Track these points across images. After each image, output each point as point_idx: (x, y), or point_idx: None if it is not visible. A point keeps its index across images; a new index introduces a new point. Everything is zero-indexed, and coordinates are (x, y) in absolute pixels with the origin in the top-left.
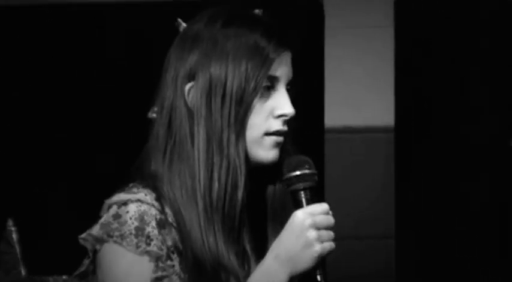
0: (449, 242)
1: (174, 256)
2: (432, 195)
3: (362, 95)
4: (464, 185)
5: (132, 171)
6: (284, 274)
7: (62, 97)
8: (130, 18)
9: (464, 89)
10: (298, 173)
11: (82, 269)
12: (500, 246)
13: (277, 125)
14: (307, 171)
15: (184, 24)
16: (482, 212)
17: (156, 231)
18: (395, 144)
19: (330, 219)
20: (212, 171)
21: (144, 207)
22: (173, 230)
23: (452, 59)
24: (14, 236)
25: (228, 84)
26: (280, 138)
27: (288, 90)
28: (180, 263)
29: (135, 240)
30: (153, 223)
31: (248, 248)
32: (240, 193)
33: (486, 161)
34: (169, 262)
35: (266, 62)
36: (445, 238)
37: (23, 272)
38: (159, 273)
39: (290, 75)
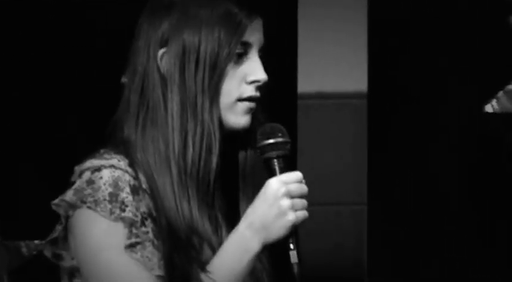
0: (421, 210)
1: (148, 222)
2: (405, 162)
3: (335, 60)
4: (436, 153)
5: (104, 137)
6: (257, 242)
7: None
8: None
9: (437, 57)
10: (271, 141)
11: (54, 235)
12: (472, 214)
13: (250, 91)
14: (280, 139)
15: None
16: (454, 180)
17: (130, 198)
18: (368, 110)
19: (303, 188)
20: (186, 137)
21: (117, 173)
22: (147, 196)
23: (427, 26)
24: None
25: (202, 50)
26: (252, 104)
27: (260, 57)
28: (154, 230)
29: (109, 206)
30: (127, 189)
31: (220, 214)
32: (214, 159)
33: (458, 130)
34: (143, 228)
35: (239, 29)
36: (417, 205)
37: None
38: (133, 240)
39: (262, 41)
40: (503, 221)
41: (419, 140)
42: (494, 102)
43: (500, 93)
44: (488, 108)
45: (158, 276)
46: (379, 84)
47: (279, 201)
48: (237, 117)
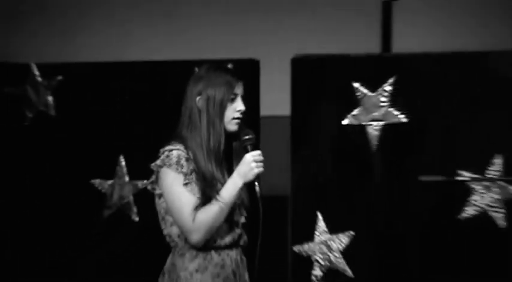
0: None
1: (193, 174)
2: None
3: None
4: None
5: (172, 137)
6: (241, 181)
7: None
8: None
9: None
10: (247, 137)
11: (152, 179)
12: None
13: (237, 115)
14: (251, 136)
15: (196, 69)
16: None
17: (185, 163)
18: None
19: (261, 158)
20: (209, 136)
21: (179, 152)
22: (192, 162)
23: None
24: None
25: (216, 98)
26: (238, 120)
27: (242, 97)
28: (195, 177)
29: (175, 166)
30: (183, 159)
31: (225, 169)
32: (222, 146)
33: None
34: (191, 176)
35: (232, 87)
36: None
37: None
38: (187, 181)
39: (242, 92)
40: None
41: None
42: (350, 116)
43: (357, 110)
44: (346, 121)
45: (198, 198)
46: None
47: (250, 163)
48: (232, 126)
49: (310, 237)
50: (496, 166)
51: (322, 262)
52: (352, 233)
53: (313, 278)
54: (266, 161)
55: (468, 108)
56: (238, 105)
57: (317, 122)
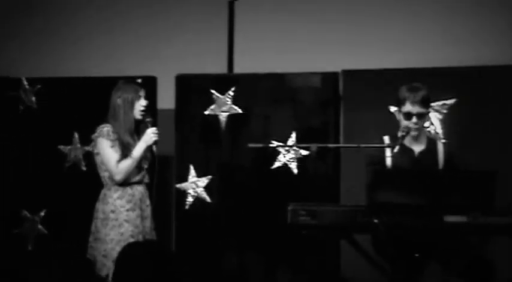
0: None
1: (116, 141)
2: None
3: None
4: None
5: (103, 121)
6: (144, 144)
7: None
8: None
9: None
10: (148, 119)
11: (92, 144)
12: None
13: (142, 108)
14: (150, 119)
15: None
16: None
17: (111, 134)
18: None
19: (156, 131)
20: (124, 121)
21: (108, 128)
22: (116, 135)
23: None
24: None
25: (128, 98)
26: (143, 112)
27: (144, 98)
28: (118, 143)
29: (106, 136)
30: (110, 132)
31: (136, 139)
32: (132, 126)
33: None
34: (115, 142)
35: (137, 92)
36: None
37: None
38: (112, 145)
39: (144, 94)
40: None
41: None
42: (209, 109)
43: (213, 105)
44: (207, 112)
45: (119, 155)
46: None
47: (150, 134)
48: (139, 115)
49: (185, 179)
50: (293, 138)
51: (192, 193)
52: (210, 176)
53: (187, 202)
54: (160, 134)
55: (283, 102)
56: (142, 103)
57: (189, 113)
